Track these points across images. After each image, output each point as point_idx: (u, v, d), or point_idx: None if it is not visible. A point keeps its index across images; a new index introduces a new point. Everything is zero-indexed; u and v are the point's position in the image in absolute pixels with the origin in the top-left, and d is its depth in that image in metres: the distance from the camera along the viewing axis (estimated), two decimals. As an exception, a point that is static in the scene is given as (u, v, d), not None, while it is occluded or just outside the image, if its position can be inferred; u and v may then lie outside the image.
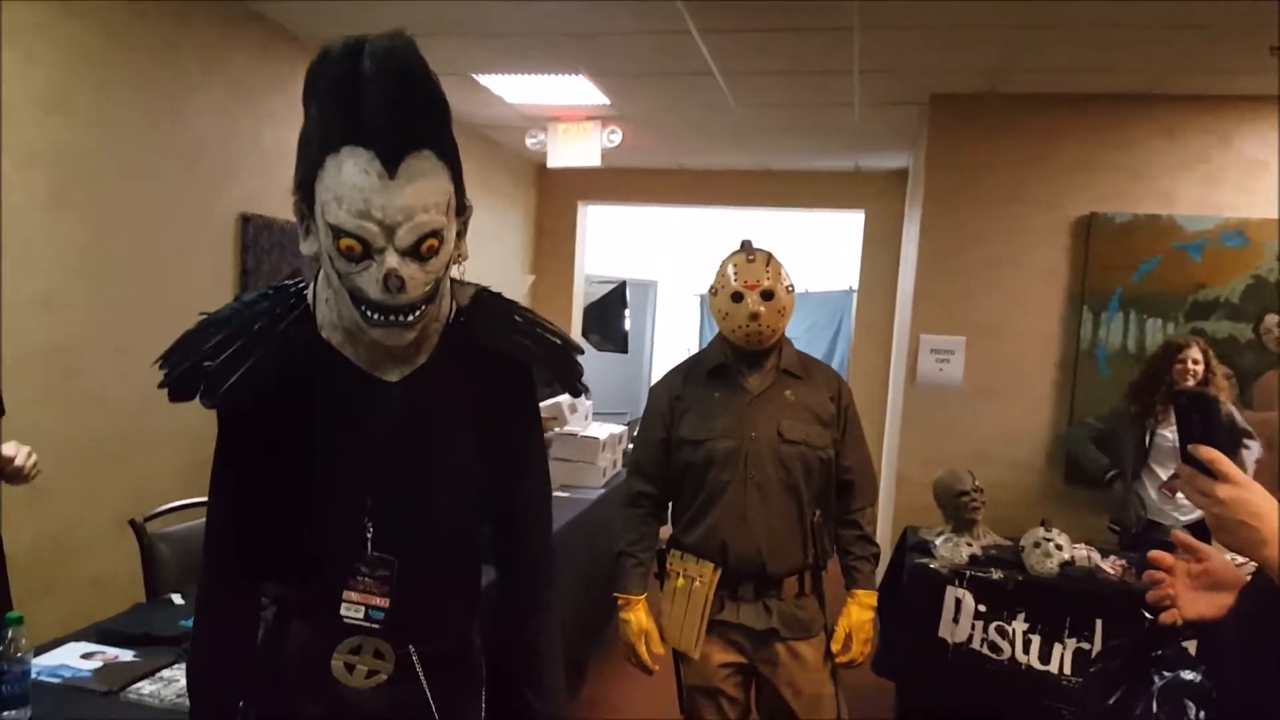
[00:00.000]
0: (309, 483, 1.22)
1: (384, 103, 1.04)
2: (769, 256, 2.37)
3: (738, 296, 2.29)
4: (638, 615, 2.40)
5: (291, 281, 1.22)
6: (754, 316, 2.28)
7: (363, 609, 1.24)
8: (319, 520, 1.24)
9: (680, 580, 2.37)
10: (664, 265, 9.31)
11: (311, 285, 1.21)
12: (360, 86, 1.05)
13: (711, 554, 2.33)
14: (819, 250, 8.42)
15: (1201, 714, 1.25)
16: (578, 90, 4.75)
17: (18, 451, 2.01)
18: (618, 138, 5.33)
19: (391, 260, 1.06)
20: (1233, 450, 1.18)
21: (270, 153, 4.08)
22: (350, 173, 1.05)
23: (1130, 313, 4.42)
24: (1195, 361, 3.60)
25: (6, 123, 2.85)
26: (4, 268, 2.87)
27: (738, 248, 2.43)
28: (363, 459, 1.22)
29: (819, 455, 2.35)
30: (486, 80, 4.62)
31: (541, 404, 4.37)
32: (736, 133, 5.72)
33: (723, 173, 7.16)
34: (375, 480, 1.23)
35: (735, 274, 2.32)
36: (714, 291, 2.38)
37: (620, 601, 2.42)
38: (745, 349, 2.35)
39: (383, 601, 1.25)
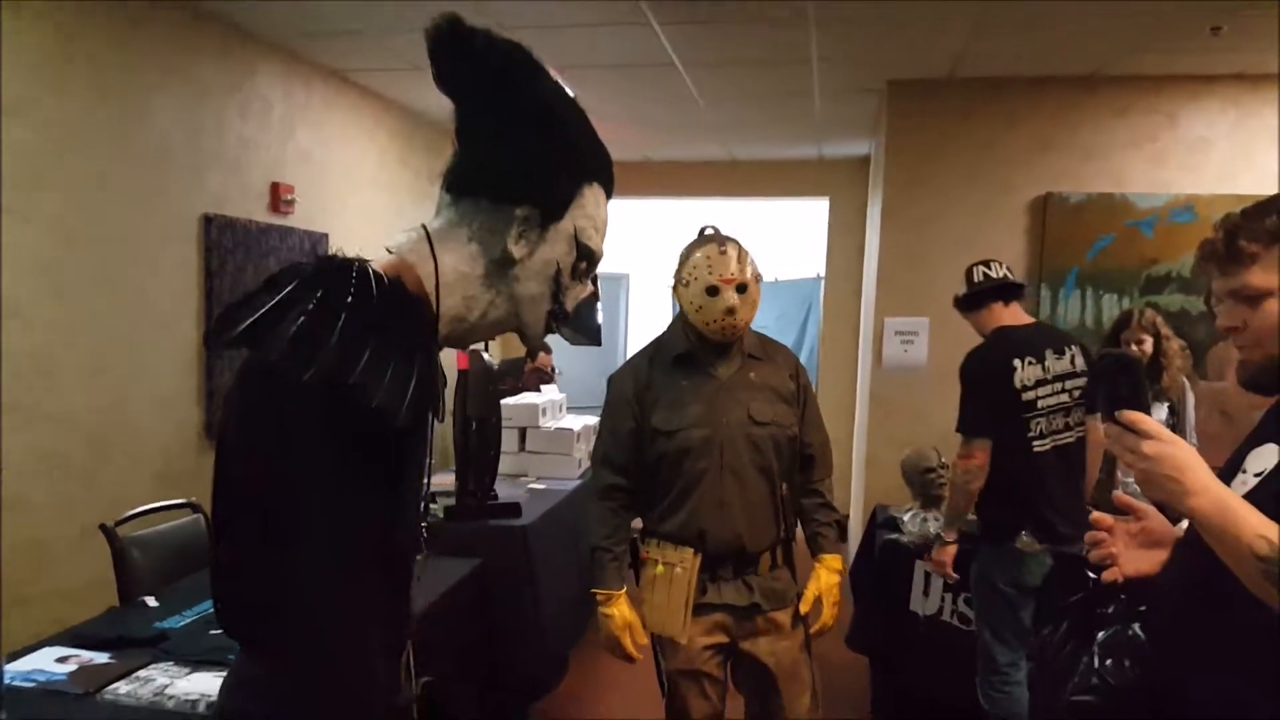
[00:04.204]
0: (402, 475, 1.15)
1: (605, 151, 1.23)
2: (739, 247, 2.35)
3: (713, 290, 2.28)
4: (620, 609, 2.38)
5: (349, 265, 1.05)
6: (730, 311, 2.28)
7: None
8: (400, 515, 1.17)
9: (659, 568, 2.37)
10: (635, 258, 9.34)
11: (431, 276, 1.12)
12: (592, 128, 1.20)
13: (690, 540, 2.35)
14: (787, 238, 8.50)
15: (1136, 669, 1.32)
16: (541, 85, 4.78)
17: None
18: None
19: (590, 285, 1.24)
20: (1148, 411, 1.24)
21: (231, 153, 4.07)
22: (604, 207, 1.22)
23: (1087, 289, 4.53)
24: (1140, 342, 3.58)
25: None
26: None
27: (704, 236, 2.41)
28: (424, 447, 1.21)
29: (786, 434, 2.40)
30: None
31: (512, 401, 4.44)
32: (701, 124, 5.78)
33: (689, 164, 7.22)
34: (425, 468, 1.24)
35: (710, 267, 2.29)
36: (685, 283, 2.34)
37: (600, 597, 2.39)
38: (714, 340, 2.37)
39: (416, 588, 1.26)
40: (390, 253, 1.14)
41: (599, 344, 9.48)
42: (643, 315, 9.80)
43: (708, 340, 2.37)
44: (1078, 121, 4.57)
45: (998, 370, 2.96)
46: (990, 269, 3.13)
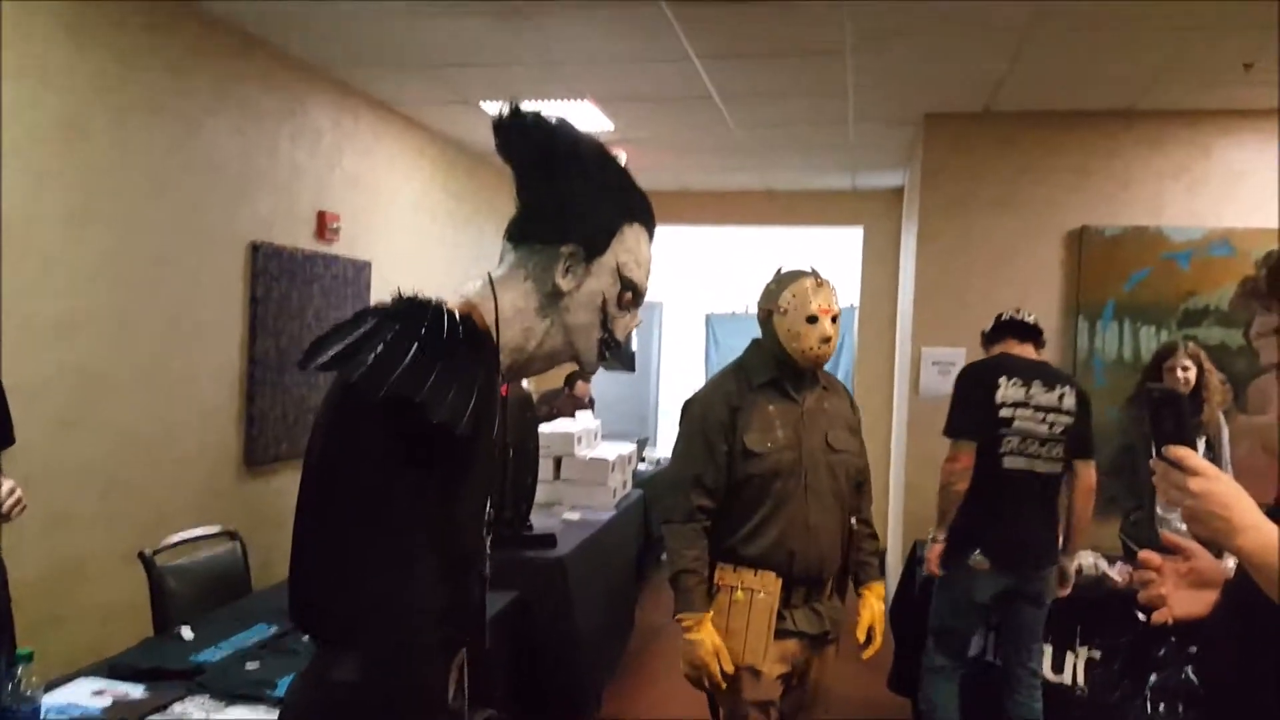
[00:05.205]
0: (467, 488, 1.26)
1: (645, 196, 1.37)
2: (829, 282, 2.51)
3: (814, 319, 2.41)
4: (709, 634, 2.35)
5: (427, 304, 1.20)
6: (826, 340, 2.41)
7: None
8: (464, 527, 1.28)
9: (739, 594, 2.38)
10: (669, 286, 9.39)
11: (492, 313, 1.26)
12: (630, 177, 1.37)
13: (777, 564, 2.38)
14: (820, 267, 8.49)
15: (1190, 712, 1.31)
16: (583, 115, 4.86)
17: None
18: (622, 161, 5.42)
19: (639, 315, 1.40)
20: (1194, 446, 1.23)
21: (282, 178, 4.15)
22: (645, 245, 1.36)
23: (1124, 322, 4.51)
24: (1185, 369, 3.58)
25: (26, 145, 2.88)
26: (22, 290, 2.87)
27: (796, 271, 2.53)
28: (493, 463, 1.33)
29: (855, 463, 2.54)
30: (494, 108, 4.71)
31: (548, 427, 4.46)
32: (737, 153, 5.84)
33: (725, 193, 7.28)
34: (495, 484, 1.37)
35: (811, 298, 2.43)
36: (782, 311, 2.45)
37: (689, 622, 2.35)
38: (800, 366, 2.46)
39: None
40: (463, 298, 1.29)
41: (633, 370, 9.58)
42: (676, 342, 9.83)
43: (793, 367, 2.47)
44: (1113, 154, 4.57)
45: (985, 383, 3.22)
46: (1018, 312, 3.40)
